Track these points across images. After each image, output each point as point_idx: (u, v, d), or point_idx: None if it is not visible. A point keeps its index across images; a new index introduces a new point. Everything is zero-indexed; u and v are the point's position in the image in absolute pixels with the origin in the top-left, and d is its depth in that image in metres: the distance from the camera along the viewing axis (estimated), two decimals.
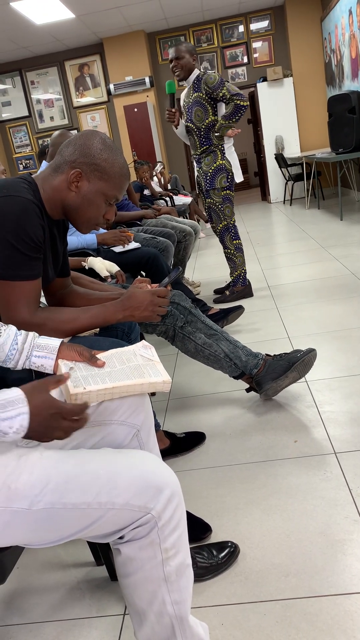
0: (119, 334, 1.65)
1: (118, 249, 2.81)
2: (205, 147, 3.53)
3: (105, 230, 2.92)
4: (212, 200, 3.59)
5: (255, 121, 9.82)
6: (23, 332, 1.12)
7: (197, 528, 1.45)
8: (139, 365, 1.11)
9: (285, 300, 3.46)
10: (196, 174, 3.69)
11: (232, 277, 3.73)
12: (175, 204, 6.39)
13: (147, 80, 8.66)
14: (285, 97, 8.76)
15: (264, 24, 8.90)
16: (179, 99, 3.67)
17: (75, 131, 9.58)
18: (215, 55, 9.07)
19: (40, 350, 1.09)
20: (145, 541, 0.91)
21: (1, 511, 0.84)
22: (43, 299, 1.57)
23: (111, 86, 8.76)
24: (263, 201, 10.16)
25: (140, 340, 1.52)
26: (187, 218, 6.72)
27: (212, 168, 3.52)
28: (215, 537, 1.44)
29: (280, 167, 8.56)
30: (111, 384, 1.03)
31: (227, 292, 3.74)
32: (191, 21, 8.79)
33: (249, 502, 1.57)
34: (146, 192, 5.81)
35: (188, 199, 7.11)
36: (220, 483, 1.69)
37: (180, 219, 4.52)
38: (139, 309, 1.40)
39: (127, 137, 8.89)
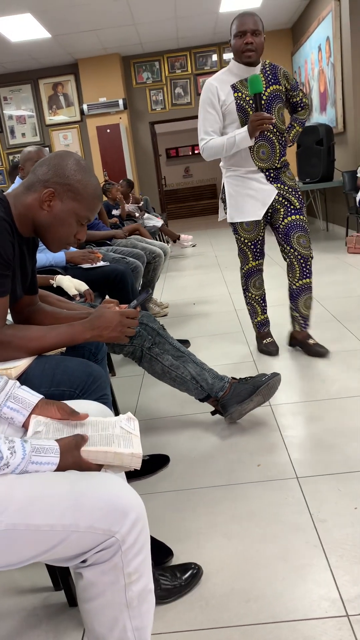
0: (86, 353, 1.64)
1: (86, 265, 2.80)
2: (284, 157, 2.69)
3: (75, 249, 2.92)
4: (305, 219, 2.71)
5: None
6: (4, 377, 1.10)
7: (159, 552, 1.44)
8: (113, 434, 1.06)
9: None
10: (270, 193, 2.66)
11: (310, 314, 2.85)
12: (146, 225, 6.43)
13: (120, 102, 8.76)
14: None
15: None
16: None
17: (47, 149, 9.56)
18: (189, 81, 9.26)
19: (15, 402, 1.08)
20: (108, 565, 0.89)
21: None
22: (9, 317, 1.56)
23: (84, 106, 8.82)
24: None
25: (108, 360, 1.51)
26: (157, 240, 6.77)
27: (295, 185, 2.73)
28: (176, 562, 1.43)
29: None
30: None
31: (313, 340, 2.82)
32: (166, 47, 8.97)
33: (211, 526, 1.56)
34: (115, 212, 5.82)
35: (159, 222, 7.17)
36: (183, 507, 1.68)
37: (151, 240, 4.56)
38: (107, 329, 1.40)
39: (99, 157, 8.94)
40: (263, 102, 2.52)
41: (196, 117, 10.25)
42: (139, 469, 1.03)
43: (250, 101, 2.54)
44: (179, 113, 9.43)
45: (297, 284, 2.77)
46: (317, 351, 2.75)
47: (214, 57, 9.16)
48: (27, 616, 1.33)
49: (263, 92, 2.51)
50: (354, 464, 1.77)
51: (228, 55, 9.14)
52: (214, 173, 15.18)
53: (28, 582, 1.45)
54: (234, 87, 2.58)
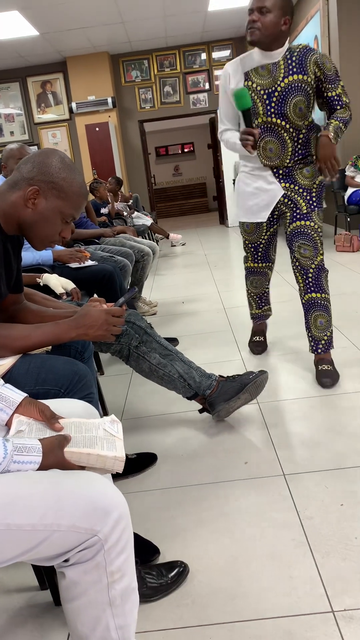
0: (73, 352, 1.63)
1: (74, 264, 2.79)
2: (301, 157, 2.40)
3: (62, 247, 2.90)
4: (313, 225, 2.39)
5: (215, 146, 10.02)
6: None
7: (146, 550, 1.44)
8: (96, 436, 1.05)
9: (239, 322, 3.51)
10: (276, 193, 2.44)
11: (326, 337, 2.46)
12: (135, 224, 6.42)
13: (109, 100, 8.74)
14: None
15: (226, 53, 9.16)
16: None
17: (36, 147, 9.54)
18: (178, 80, 9.26)
19: None
20: (91, 564, 0.89)
21: None
22: None
23: (73, 104, 8.79)
24: (221, 225, 10.33)
25: (95, 359, 1.51)
26: (146, 239, 6.76)
27: (317, 183, 2.41)
28: (163, 560, 1.43)
29: None
30: None
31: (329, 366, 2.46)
32: (155, 46, 8.96)
33: (198, 524, 1.56)
34: (103, 210, 5.80)
35: (148, 220, 7.16)
36: (170, 505, 1.68)
37: (139, 239, 4.55)
38: (93, 327, 1.39)
39: (88, 155, 8.91)
40: (275, 98, 2.26)
41: (185, 115, 10.27)
42: (121, 472, 1.03)
43: (262, 92, 2.28)
44: (168, 111, 9.43)
45: (304, 299, 2.47)
46: (320, 381, 2.39)
47: (203, 56, 9.17)
48: (13, 616, 1.32)
49: (276, 86, 2.25)
50: (341, 460, 1.78)
51: (217, 54, 9.15)
52: (203, 172, 15.19)
53: (13, 582, 1.44)
54: (246, 74, 2.32)
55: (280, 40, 2.22)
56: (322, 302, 2.44)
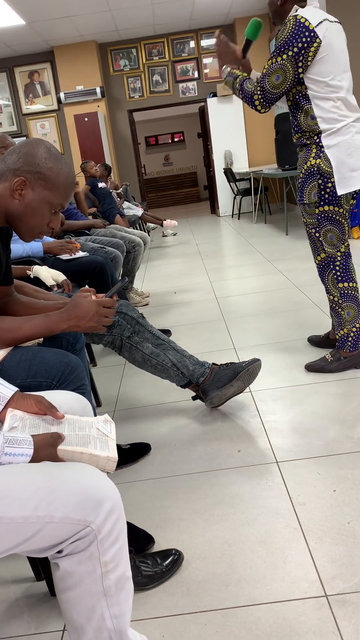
0: (64, 344, 1.62)
1: (65, 256, 2.78)
2: (298, 135, 2.27)
3: (52, 239, 2.89)
4: (305, 221, 2.37)
5: (205, 135, 9.98)
6: None
7: (140, 540, 1.44)
8: (90, 435, 1.05)
9: (232, 311, 3.51)
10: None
11: (338, 336, 2.40)
12: (125, 214, 6.38)
13: (98, 90, 8.66)
14: (234, 113, 8.95)
15: (214, 41, 9.07)
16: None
17: (24, 138, 9.45)
18: (167, 68, 9.18)
19: None
20: (84, 555, 0.89)
21: None
22: None
23: (62, 95, 8.70)
24: (212, 214, 10.30)
25: (87, 350, 1.50)
26: (137, 229, 6.73)
27: (304, 170, 2.25)
28: (158, 548, 1.44)
29: (229, 181, 8.72)
30: None
31: (330, 356, 2.41)
32: (143, 34, 8.87)
33: (192, 512, 1.57)
34: (101, 185, 5.61)
35: (139, 211, 7.12)
36: (164, 494, 1.68)
37: (130, 229, 4.53)
38: (84, 319, 1.39)
39: (77, 146, 8.84)
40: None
41: (174, 104, 10.19)
42: (113, 472, 1.03)
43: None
44: (158, 100, 9.35)
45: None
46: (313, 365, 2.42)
47: (192, 44, 9.09)
48: (10, 606, 1.33)
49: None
50: (333, 447, 1.79)
51: (206, 42, 9.08)
52: (194, 161, 15.11)
53: (9, 573, 1.44)
54: None
55: (282, 16, 2.21)
56: (330, 299, 2.41)
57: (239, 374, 2.04)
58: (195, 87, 9.31)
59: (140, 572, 1.30)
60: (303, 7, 2.14)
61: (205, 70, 9.21)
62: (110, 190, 5.57)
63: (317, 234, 2.33)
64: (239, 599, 1.24)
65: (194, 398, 2.17)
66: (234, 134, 9.06)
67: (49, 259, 2.75)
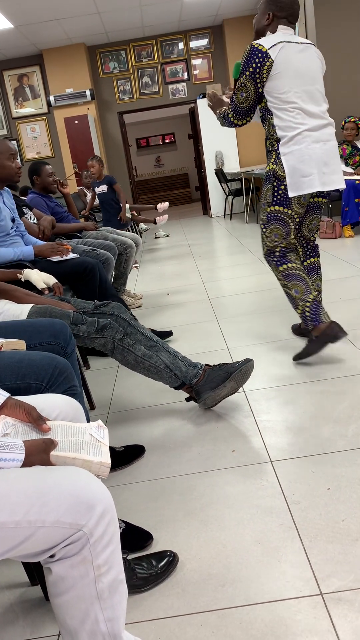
0: (55, 348, 1.62)
1: (56, 258, 2.77)
2: (266, 142, 2.55)
3: (43, 242, 2.88)
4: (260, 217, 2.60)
5: (195, 136, 9.99)
6: None
7: (139, 537, 1.44)
8: (82, 441, 1.05)
9: (224, 311, 3.52)
10: None
11: (301, 318, 2.54)
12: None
13: (87, 92, 8.65)
14: None
15: (204, 42, 9.10)
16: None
17: (15, 142, 9.44)
18: (156, 70, 9.18)
19: None
20: (77, 559, 0.89)
21: None
22: None
23: (51, 98, 8.69)
24: (204, 215, 10.31)
25: (81, 352, 1.50)
26: (129, 231, 6.71)
27: (265, 173, 2.52)
28: (153, 550, 1.43)
29: (220, 182, 8.73)
30: None
31: (307, 342, 2.51)
32: (132, 36, 8.87)
33: (187, 513, 1.57)
34: (99, 189, 5.50)
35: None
36: (159, 495, 1.68)
37: (122, 231, 4.52)
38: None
39: (68, 148, 8.82)
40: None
41: (164, 106, 10.21)
42: (106, 477, 1.03)
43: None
44: (148, 102, 9.35)
45: None
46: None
47: (181, 45, 9.10)
48: (4, 612, 1.32)
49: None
50: (327, 445, 1.79)
51: (195, 43, 9.09)
52: (185, 162, 15.13)
53: (3, 578, 1.44)
54: None
55: (260, 35, 2.47)
56: (282, 286, 2.59)
57: (232, 375, 2.04)
58: (185, 89, 9.32)
59: (135, 574, 1.30)
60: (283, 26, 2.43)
61: (195, 72, 9.22)
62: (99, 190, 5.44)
63: (264, 229, 2.56)
64: (234, 599, 1.24)
65: (187, 399, 2.17)
66: (224, 135, 9.07)
67: (39, 261, 2.73)
